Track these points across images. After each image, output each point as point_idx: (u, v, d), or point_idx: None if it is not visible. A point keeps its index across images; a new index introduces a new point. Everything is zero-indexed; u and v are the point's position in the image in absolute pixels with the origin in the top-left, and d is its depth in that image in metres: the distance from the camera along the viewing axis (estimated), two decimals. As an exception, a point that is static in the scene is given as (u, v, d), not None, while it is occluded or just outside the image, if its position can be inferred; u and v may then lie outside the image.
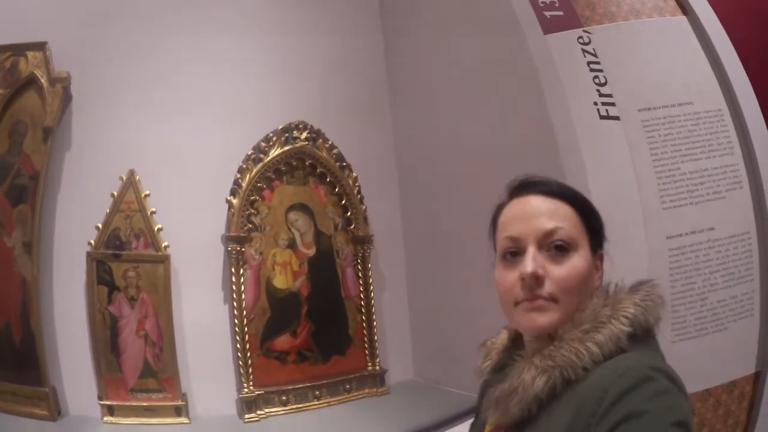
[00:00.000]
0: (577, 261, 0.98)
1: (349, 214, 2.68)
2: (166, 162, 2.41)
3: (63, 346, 2.24)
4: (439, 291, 2.71)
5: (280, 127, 2.59)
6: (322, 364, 2.57)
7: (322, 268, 2.63)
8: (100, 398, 2.23)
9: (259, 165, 2.51)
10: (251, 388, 2.37)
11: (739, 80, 2.13)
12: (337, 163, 2.68)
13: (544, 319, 0.96)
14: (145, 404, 2.24)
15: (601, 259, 1.06)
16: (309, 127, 2.64)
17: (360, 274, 2.69)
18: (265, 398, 2.39)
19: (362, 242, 2.69)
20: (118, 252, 2.29)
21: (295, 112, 2.63)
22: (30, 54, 2.46)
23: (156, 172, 2.38)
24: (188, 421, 2.26)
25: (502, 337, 1.23)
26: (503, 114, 2.40)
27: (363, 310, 2.68)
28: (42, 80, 2.45)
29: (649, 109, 2.09)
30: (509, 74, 2.35)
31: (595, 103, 2.10)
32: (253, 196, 2.49)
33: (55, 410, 2.18)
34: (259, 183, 2.51)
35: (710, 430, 2.00)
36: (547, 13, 2.19)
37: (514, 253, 1.01)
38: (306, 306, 2.57)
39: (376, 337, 2.69)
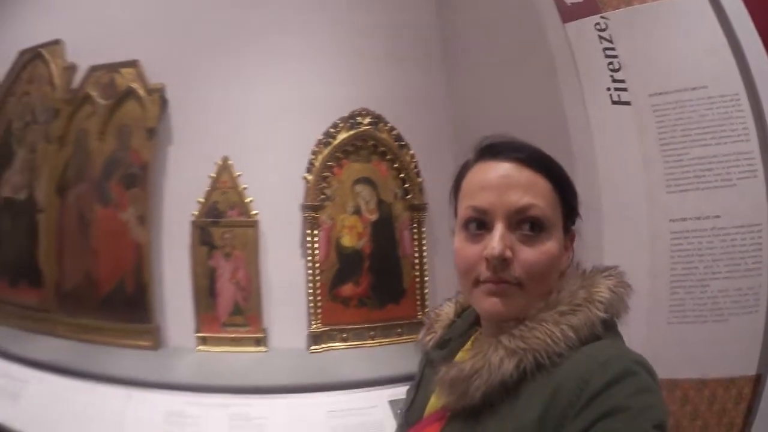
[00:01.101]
0: (550, 244, 0.89)
1: (406, 185, 3.00)
2: (254, 148, 2.91)
3: (168, 293, 2.83)
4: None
5: (346, 115, 2.97)
6: (378, 310, 2.95)
7: (383, 231, 2.99)
8: (196, 331, 2.81)
9: (329, 147, 2.93)
10: (318, 325, 2.87)
11: (760, 64, 2.03)
12: (396, 143, 3.00)
13: (507, 305, 0.89)
14: (232, 336, 2.81)
15: (573, 238, 0.98)
16: (371, 113, 2.99)
17: (415, 237, 3.01)
18: (328, 334, 2.88)
19: (417, 209, 3.01)
20: (216, 220, 2.84)
21: (358, 101, 2.98)
22: (123, 70, 2.91)
23: (246, 157, 2.89)
24: (266, 350, 2.81)
25: (447, 310, 1.18)
26: (523, 97, 2.54)
27: (416, 267, 3.00)
28: (140, 92, 2.87)
29: (660, 93, 2.10)
30: (529, 61, 2.48)
31: (608, 89, 2.16)
32: (325, 172, 2.91)
33: (157, 342, 2.77)
34: (330, 162, 2.92)
35: (704, 423, 2.01)
36: (568, 1, 2.26)
37: (480, 225, 0.92)
38: (368, 262, 2.96)
39: (426, 291, 3.00)
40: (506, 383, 0.83)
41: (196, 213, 2.85)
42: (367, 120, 3.00)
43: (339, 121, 2.97)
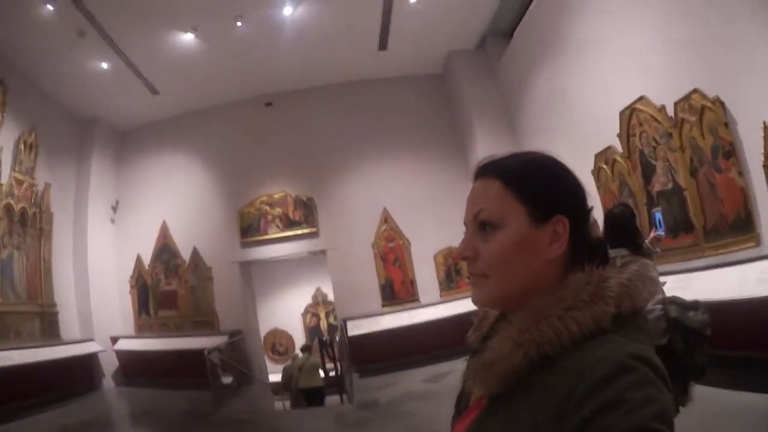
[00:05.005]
0: (503, 236, 0.95)
1: None
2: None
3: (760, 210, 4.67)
4: None
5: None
6: None
7: None
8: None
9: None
10: None
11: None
12: None
13: (478, 293, 0.99)
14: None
15: (564, 225, 0.96)
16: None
17: None
18: None
19: None
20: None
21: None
22: (693, 95, 5.02)
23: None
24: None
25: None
26: None
27: None
28: (707, 105, 4.90)
29: None
30: None
31: None
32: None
33: (757, 242, 4.76)
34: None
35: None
36: None
37: None
38: None
39: None
40: (518, 372, 0.86)
41: (762, 159, 4.46)
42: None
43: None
